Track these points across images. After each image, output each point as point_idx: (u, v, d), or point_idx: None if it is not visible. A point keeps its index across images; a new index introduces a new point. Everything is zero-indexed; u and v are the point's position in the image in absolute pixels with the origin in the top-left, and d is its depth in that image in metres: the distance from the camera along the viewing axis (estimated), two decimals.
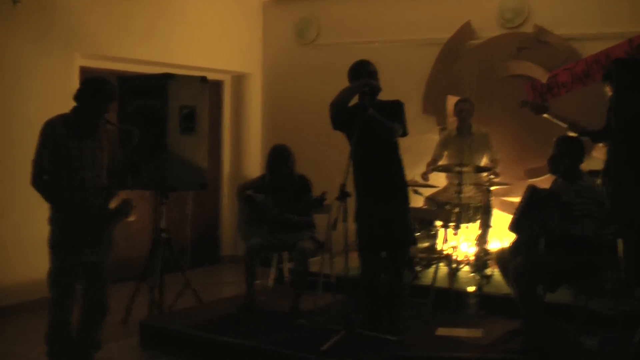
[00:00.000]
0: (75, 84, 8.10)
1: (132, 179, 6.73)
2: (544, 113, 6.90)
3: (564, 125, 6.75)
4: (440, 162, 8.41)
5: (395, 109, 6.03)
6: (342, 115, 5.95)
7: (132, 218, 5.43)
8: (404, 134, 6.05)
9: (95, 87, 5.34)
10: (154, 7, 9.03)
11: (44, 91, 7.27)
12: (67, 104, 5.43)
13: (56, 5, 7.92)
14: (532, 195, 5.92)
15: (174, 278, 7.22)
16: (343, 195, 5.70)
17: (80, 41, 8.18)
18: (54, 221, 5.36)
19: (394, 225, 6.04)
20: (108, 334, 6.57)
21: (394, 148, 6.08)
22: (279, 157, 7.09)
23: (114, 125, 5.62)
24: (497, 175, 8.08)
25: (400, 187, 6.14)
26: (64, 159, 5.27)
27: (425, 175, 8.26)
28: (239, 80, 10.67)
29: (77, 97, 5.35)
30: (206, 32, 9.76)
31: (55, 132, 5.28)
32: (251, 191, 7.15)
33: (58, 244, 5.34)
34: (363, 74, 6.02)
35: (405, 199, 6.17)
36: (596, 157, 7.87)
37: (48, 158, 5.25)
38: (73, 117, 5.36)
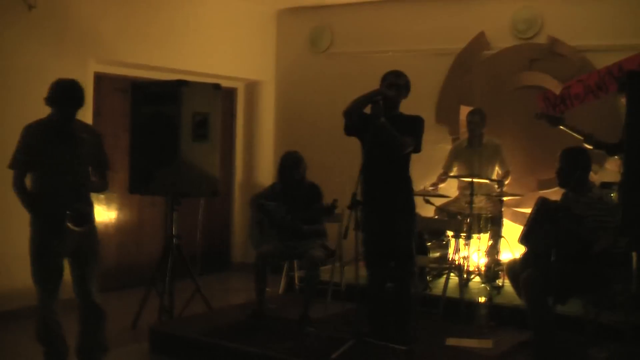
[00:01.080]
0: (89, 89, 8.13)
1: (144, 184, 6.81)
2: (560, 125, 6.85)
3: (579, 137, 6.71)
4: (450, 174, 8.40)
5: (412, 124, 6.01)
6: (355, 123, 5.94)
7: (80, 229, 5.41)
8: (417, 150, 6.03)
9: (65, 90, 5.40)
10: (169, 14, 9.07)
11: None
12: (80, 110, 5.47)
13: (71, 11, 7.97)
14: (542, 208, 5.90)
15: (184, 284, 7.23)
16: (354, 203, 5.70)
17: (95, 47, 8.22)
18: (31, 221, 5.46)
19: (397, 238, 6.03)
20: (117, 339, 6.62)
21: (405, 161, 6.06)
22: (290, 164, 7.10)
23: (90, 129, 5.70)
24: (502, 186, 8.04)
25: (405, 200, 6.11)
26: (38, 163, 5.37)
27: (434, 186, 8.26)
28: (252, 87, 10.70)
29: (49, 100, 5.40)
30: (220, 39, 9.79)
31: (31, 137, 5.39)
32: (263, 200, 7.16)
33: (32, 242, 5.44)
34: (383, 83, 6.04)
35: (410, 213, 6.13)
36: (609, 170, 7.86)
37: (22, 161, 5.37)
38: (49, 121, 5.43)
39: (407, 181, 6.12)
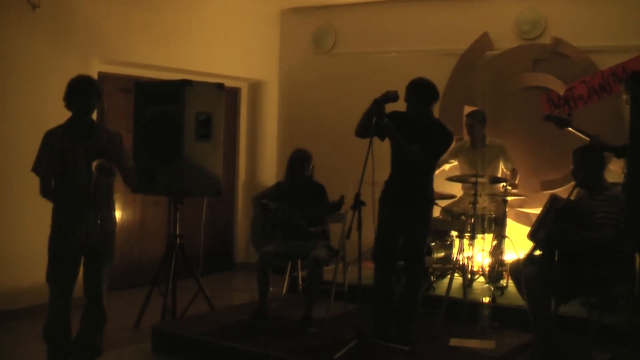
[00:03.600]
0: None
1: (147, 184, 6.83)
2: (568, 126, 6.80)
3: (586, 139, 6.67)
4: (441, 169, 8.43)
5: (436, 134, 6.10)
6: (367, 136, 5.93)
7: (106, 179, 5.42)
8: (430, 161, 6.12)
9: (78, 86, 5.45)
10: (172, 13, 9.07)
11: (62, 96, 7.38)
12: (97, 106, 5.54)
13: (75, 10, 7.97)
14: (553, 205, 5.89)
15: (186, 284, 7.24)
16: (357, 204, 5.71)
17: (98, 46, 8.22)
18: (53, 220, 5.53)
19: (411, 238, 6.08)
20: (120, 339, 6.64)
21: (425, 165, 6.12)
22: (301, 160, 7.10)
23: (109, 130, 5.72)
24: (515, 187, 8.07)
25: (426, 202, 6.18)
26: (60, 164, 5.41)
27: None
28: (256, 87, 10.69)
29: (66, 100, 5.45)
30: (224, 39, 9.79)
31: (51, 141, 5.45)
32: (266, 200, 7.16)
33: (51, 241, 5.50)
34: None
35: (428, 215, 6.20)
36: (613, 170, 7.84)
37: (44, 166, 5.43)
38: (69, 123, 5.48)
39: (425, 183, 6.19)
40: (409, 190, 6.09)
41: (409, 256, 6.13)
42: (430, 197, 6.21)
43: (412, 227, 6.10)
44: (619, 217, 5.54)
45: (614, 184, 6.28)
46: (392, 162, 6.14)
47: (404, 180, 6.10)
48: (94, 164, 5.28)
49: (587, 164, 5.87)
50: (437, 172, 8.15)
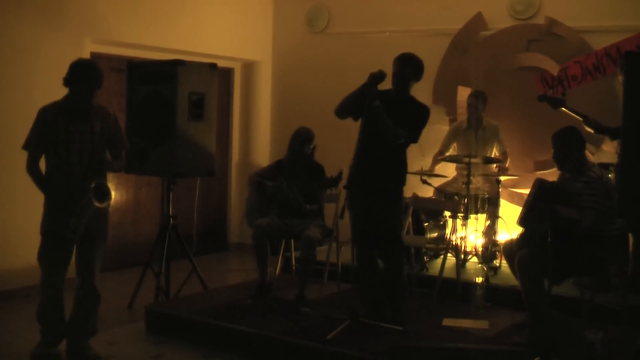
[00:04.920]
0: None
1: (140, 164, 6.81)
2: (562, 107, 6.80)
3: (580, 120, 6.66)
4: (448, 154, 8.41)
5: (415, 113, 6.01)
6: (348, 116, 5.92)
7: (102, 205, 5.39)
8: (412, 141, 6.03)
9: (83, 70, 5.42)
10: None
11: (54, 76, 7.26)
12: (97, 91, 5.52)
13: None
14: (540, 189, 5.89)
15: (180, 264, 7.24)
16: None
17: (91, 26, 8.17)
18: (45, 203, 5.51)
19: (383, 218, 6.05)
20: (113, 319, 6.64)
21: (400, 144, 6.04)
22: (303, 137, 7.10)
23: (105, 111, 5.63)
24: (505, 170, 8.09)
25: (395, 181, 6.10)
26: (53, 143, 5.38)
27: (431, 169, 8.27)
28: (249, 67, 10.65)
29: (67, 80, 5.41)
30: (217, 18, 9.74)
31: (45, 118, 5.41)
32: (262, 178, 7.14)
33: (44, 222, 5.49)
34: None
35: (398, 194, 6.13)
36: (606, 151, 7.85)
37: (35, 143, 5.40)
38: (65, 102, 5.46)
39: (401, 162, 6.12)
40: (382, 171, 6.03)
41: (387, 237, 6.13)
42: (403, 175, 6.16)
43: (387, 207, 6.07)
44: (602, 200, 5.57)
45: (599, 165, 6.30)
46: (363, 143, 5.86)
47: (377, 161, 6.00)
48: (92, 185, 5.28)
49: (570, 146, 5.86)
50: (439, 158, 8.26)
